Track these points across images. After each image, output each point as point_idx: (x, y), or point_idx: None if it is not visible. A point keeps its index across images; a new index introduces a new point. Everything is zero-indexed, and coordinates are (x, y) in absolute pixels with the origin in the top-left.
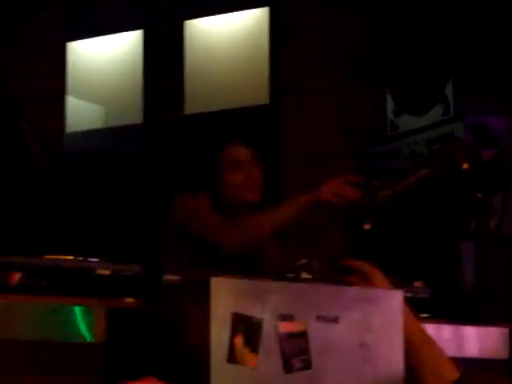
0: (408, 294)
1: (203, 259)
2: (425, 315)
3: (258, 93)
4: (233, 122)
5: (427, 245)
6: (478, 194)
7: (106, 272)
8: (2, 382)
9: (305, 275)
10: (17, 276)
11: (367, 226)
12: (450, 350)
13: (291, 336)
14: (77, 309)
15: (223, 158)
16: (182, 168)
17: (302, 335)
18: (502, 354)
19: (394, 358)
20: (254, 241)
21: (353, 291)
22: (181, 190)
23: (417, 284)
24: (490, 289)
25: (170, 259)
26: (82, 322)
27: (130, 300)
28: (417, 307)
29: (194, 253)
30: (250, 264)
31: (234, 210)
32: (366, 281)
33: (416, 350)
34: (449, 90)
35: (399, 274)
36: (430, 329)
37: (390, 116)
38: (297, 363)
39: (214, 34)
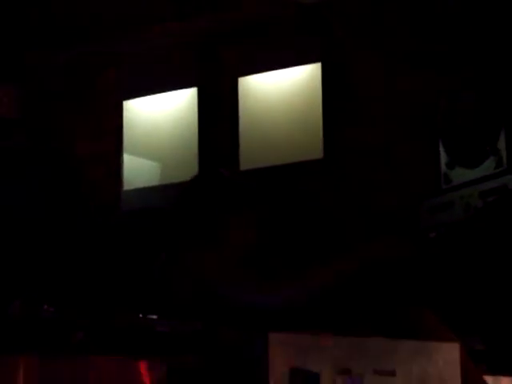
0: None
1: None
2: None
3: (313, 147)
4: (288, 177)
5: (485, 297)
6: None
7: (165, 329)
8: None
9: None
10: (78, 335)
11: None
12: None
13: None
14: (138, 365)
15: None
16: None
17: None
18: None
19: None
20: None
21: (409, 344)
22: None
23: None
24: None
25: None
26: (143, 379)
27: (189, 357)
28: (473, 359)
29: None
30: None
31: None
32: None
33: None
34: (501, 143)
35: (456, 325)
36: (488, 380)
37: (444, 168)
38: None
39: (267, 91)
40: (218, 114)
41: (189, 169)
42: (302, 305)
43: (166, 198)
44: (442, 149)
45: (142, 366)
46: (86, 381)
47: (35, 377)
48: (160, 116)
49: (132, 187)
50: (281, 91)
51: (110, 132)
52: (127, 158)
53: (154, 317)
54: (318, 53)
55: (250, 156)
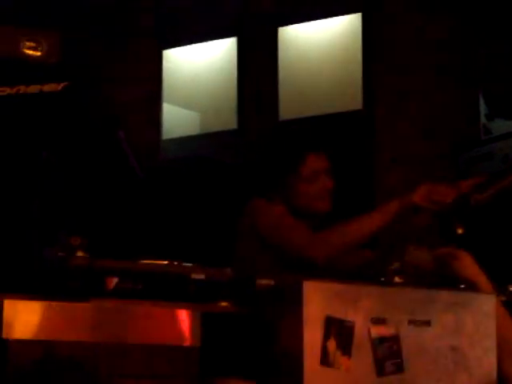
0: (503, 298)
1: (276, 262)
2: None
3: (352, 98)
4: (326, 127)
5: None
6: None
7: (201, 276)
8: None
9: (397, 279)
10: (113, 281)
11: (460, 231)
12: None
13: (383, 339)
14: (173, 313)
15: (302, 167)
16: (258, 173)
17: (394, 339)
18: None
19: (486, 362)
20: (343, 250)
21: (445, 295)
22: (254, 195)
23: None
24: None
25: (239, 261)
26: (178, 326)
27: (224, 304)
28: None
29: (265, 256)
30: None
31: (306, 218)
32: (454, 260)
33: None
34: None
35: (493, 278)
36: None
37: (483, 120)
38: (389, 366)
39: (307, 41)
40: (258, 64)
41: (228, 118)
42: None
43: (204, 147)
44: (481, 100)
45: (178, 312)
46: (123, 325)
47: (77, 321)
48: (199, 65)
49: (171, 136)
50: (320, 41)
51: (149, 80)
52: (166, 107)
53: (190, 264)
54: (359, 3)
55: (289, 106)
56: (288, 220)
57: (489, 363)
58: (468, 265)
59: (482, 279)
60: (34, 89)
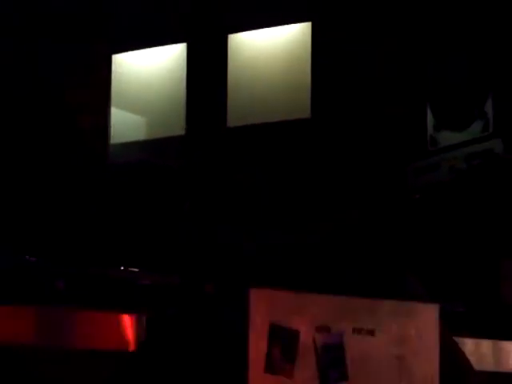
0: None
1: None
2: (462, 330)
3: (301, 107)
4: (274, 136)
5: (467, 261)
6: None
7: (147, 282)
8: None
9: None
10: (60, 284)
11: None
12: (489, 365)
13: (328, 348)
14: (118, 318)
15: None
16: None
17: (339, 347)
18: None
19: (429, 371)
20: None
21: (389, 304)
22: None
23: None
24: None
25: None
26: (122, 331)
27: (170, 310)
28: (454, 321)
29: None
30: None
31: None
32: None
33: None
34: (488, 106)
35: (438, 289)
36: (469, 344)
37: (430, 131)
38: (333, 375)
39: (256, 48)
40: (207, 70)
41: (176, 124)
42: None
43: (152, 152)
44: (429, 111)
45: (123, 319)
46: (68, 332)
47: (19, 325)
48: (149, 71)
49: (119, 141)
50: (270, 49)
51: (98, 84)
52: (114, 112)
53: (136, 270)
54: (308, 11)
55: (238, 113)
56: None
57: (432, 372)
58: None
59: None
60: None
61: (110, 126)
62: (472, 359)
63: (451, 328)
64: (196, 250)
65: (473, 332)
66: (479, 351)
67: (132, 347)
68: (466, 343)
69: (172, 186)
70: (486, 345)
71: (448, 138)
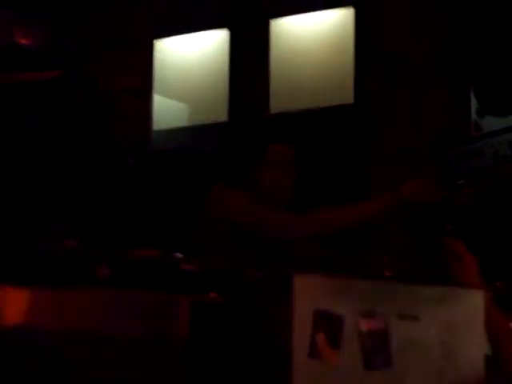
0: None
1: (237, 248)
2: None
3: (344, 92)
4: (318, 121)
5: (509, 245)
6: None
7: (190, 267)
8: (92, 372)
9: (388, 273)
10: (105, 270)
11: (449, 227)
12: None
13: (372, 333)
14: (163, 302)
15: (266, 156)
16: (222, 161)
17: (383, 333)
18: None
19: (474, 357)
20: (327, 232)
21: (433, 290)
22: (214, 182)
23: (499, 284)
24: None
25: (199, 247)
26: (168, 315)
27: (213, 295)
28: (501, 306)
29: (225, 240)
30: (280, 254)
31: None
32: (459, 262)
33: (502, 348)
34: None
35: (484, 272)
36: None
37: (474, 116)
38: (377, 360)
39: (299, 33)
40: (250, 56)
41: (219, 111)
42: (323, 237)
43: (194, 139)
44: (472, 96)
45: (168, 302)
46: (112, 314)
47: (61, 308)
48: (191, 57)
49: (161, 127)
50: (313, 34)
51: (140, 70)
52: (157, 98)
53: (180, 255)
54: None
55: (281, 99)
56: (260, 203)
57: (477, 359)
58: (471, 273)
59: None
60: (27, 76)
61: (153, 112)
62: None
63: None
64: (238, 236)
65: None
66: None
67: (183, 331)
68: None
69: (213, 172)
70: None
71: (492, 123)
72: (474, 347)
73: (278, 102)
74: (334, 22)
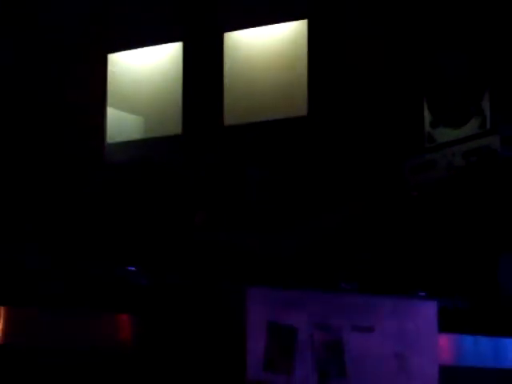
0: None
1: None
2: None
3: (297, 105)
4: (272, 134)
5: (466, 257)
6: None
7: (145, 282)
8: None
9: (343, 285)
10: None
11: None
12: (488, 361)
13: (326, 344)
14: (117, 318)
15: None
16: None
17: (337, 344)
18: None
19: (428, 368)
20: None
21: (387, 301)
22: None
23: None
24: None
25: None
26: (122, 332)
27: (168, 310)
28: (455, 318)
29: None
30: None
31: None
32: None
33: None
34: (486, 103)
35: (438, 285)
36: (468, 340)
37: (427, 128)
38: (332, 372)
39: (253, 46)
40: (203, 69)
41: (173, 123)
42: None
43: (148, 151)
44: (426, 108)
45: (120, 319)
46: (66, 331)
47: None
48: (145, 70)
49: (115, 140)
50: (266, 47)
51: (94, 84)
52: (111, 111)
53: (133, 269)
54: (305, 9)
55: (235, 112)
56: None
57: (431, 370)
58: None
59: None
60: None
61: (107, 126)
62: (471, 356)
63: (451, 324)
64: (195, 249)
65: (473, 328)
66: (479, 348)
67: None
68: (465, 340)
69: (174, 184)
70: (484, 341)
71: (445, 134)
72: (428, 358)
73: (232, 114)
74: (288, 35)
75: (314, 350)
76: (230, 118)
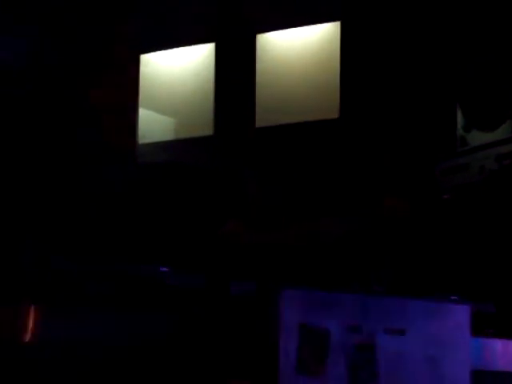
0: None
1: None
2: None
3: (329, 107)
4: (304, 135)
5: (498, 261)
6: None
7: (175, 282)
8: None
9: (376, 287)
10: (91, 286)
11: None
12: None
13: (359, 347)
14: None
15: None
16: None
17: (370, 347)
18: None
19: (460, 372)
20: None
21: (420, 304)
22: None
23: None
24: None
25: None
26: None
27: (198, 310)
28: (483, 322)
29: None
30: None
31: None
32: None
33: None
34: None
35: (468, 289)
36: (498, 344)
37: (460, 131)
38: (363, 375)
39: (285, 48)
40: (235, 70)
41: (204, 125)
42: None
43: (180, 153)
44: (459, 111)
45: (151, 319)
46: (96, 330)
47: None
48: (177, 71)
49: (147, 141)
50: (299, 49)
51: (126, 84)
52: (142, 112)
53: (165, 269)
54: (338, 11)
55: (266, 113)
56: None
57: (463, 374)
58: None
59: None
60: None
61: (138, 126)
62: (501, 360)
63: (481, 328)
64: (225, 251)
65: (502, 333)
66: (508, 352)
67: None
68: (495, 344)
69: (202, 185)
70: None
71: (478, 138)
72: (460, 362)
73: (264, 116)
74: (320, 37)
75: (346, 352)
76: (261, 120)
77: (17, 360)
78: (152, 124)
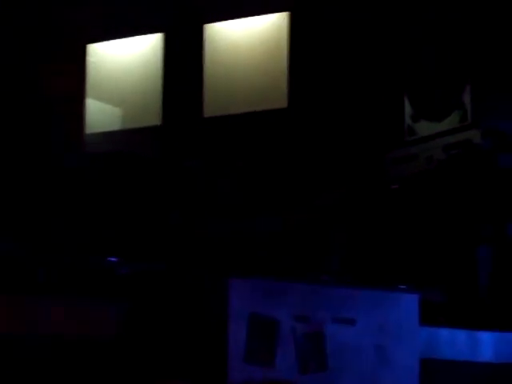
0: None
1: None
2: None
3: (278, 97)
4: (250, 126)
5: (444, 250)
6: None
7: (126, 271)
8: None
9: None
10: (40, 273)
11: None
12: (465, 355)
13: (308, 337)
14: (98, 306)
15: None
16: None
17: (318, 336)
18: None
19: (409, 361)
20: None
21: (369, 293)
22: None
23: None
24: (507, 294)
25: None
26: (102, 320)
27: (148, 299)
28: (432, 311)
29: None
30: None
31: None
32: None
33: None
34: (466, 97)
35: (416, 278)
36: (445, 333)
37: (408, 121)
38: (313, 364)
39: (233, 38)
40: (184, 60)
41: (152, 114)
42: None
43: (127, 143)
44: (406, 101)
45: (101, 307)
46: (47, 319)
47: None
48: (125, 60)
49: (94, 131)
50: (247, 39)
51: (74, 74)
52: (90, 102)
53: (114, 259)
54: (286, 1)
55: (214, 103)
56: None
57: (412, 363)
58: None
59: None
60: None
61: (86, 116)
62: (448, 349)
63: (429, 317)
64: (177, 238)
65: (450, 321)
66: (456, 341)
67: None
68: (443, 332)
69: (149, 175)
70: (462, 335)
71: (426, 128)
72: (409, 350)
73: (212, 105)
74: (269, 27)
75: (295, 341)
76: (209, 110)
77: None
78: (100, 114)
